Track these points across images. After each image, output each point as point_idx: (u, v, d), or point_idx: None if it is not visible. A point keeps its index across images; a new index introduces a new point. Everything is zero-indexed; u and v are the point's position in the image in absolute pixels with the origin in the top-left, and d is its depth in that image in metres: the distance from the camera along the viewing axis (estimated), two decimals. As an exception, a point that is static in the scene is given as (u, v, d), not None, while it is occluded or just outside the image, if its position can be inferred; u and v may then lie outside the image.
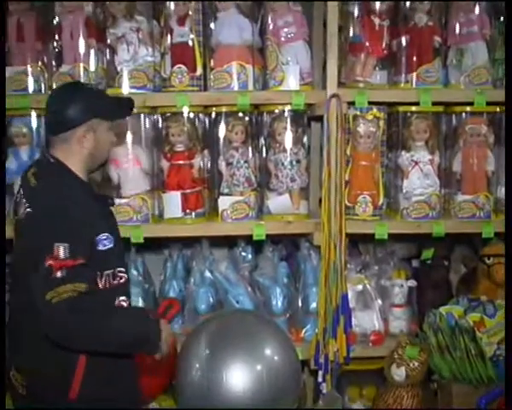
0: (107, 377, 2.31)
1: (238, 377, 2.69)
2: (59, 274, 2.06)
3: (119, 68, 3.14)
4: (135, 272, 3.31)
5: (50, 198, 2.22)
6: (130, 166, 3.16)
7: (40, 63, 3.19)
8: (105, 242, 2.26)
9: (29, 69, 3.16)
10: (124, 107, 2.48)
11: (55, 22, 3.17)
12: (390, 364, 3.05)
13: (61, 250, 2.09)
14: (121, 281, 2.35)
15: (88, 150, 2.32)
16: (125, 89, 3.13)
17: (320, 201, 3.25)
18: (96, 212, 2.27)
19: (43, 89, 3.18)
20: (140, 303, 3.28)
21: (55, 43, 3.19)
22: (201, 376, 2.74)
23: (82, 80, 3.12)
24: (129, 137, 3.16)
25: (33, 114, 3.20)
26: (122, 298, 2.36)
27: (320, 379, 3.14)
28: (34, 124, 3.21)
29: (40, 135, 3.21)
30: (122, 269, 2.36)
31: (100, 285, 2.26)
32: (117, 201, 3.11)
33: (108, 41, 3.16)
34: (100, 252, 2.24)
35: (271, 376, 2.73)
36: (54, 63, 3.20)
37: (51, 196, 2.22)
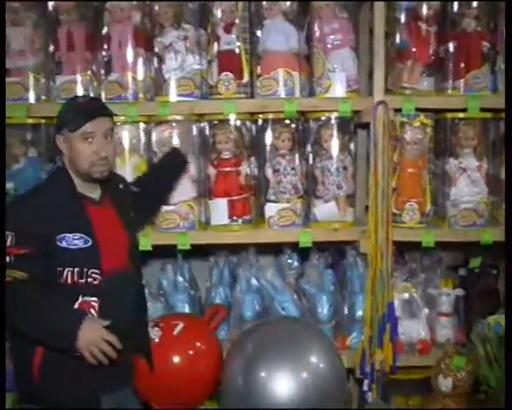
0: (64, 372, 2.42)
1: (283, 385, 2.72)
2: (7, 259, 2.34)
3: (166, 76, 3.19)
4: (181, 279, 3.35)
5: (25, 192, 2.60)
6: (177, 172, 3.19)
7: (89, 72, 3.26)
8: (76, 241, 2.42)
9: (78, 78, 3.23)
10: (79, 116, 2.47)
11: (103, 32, 3.25)
12: (437, 374, 3.03)
13: (9, 238, 2.37)
14: (94, 282, 2.43)
15: (67, 157, 2.51)
16: (173, 96, 3.18)
17: (366, 208, 3.25)
18: (68, 212, 2.45)
19: (92, 97, 3.22)
20: (186, 309, 3.32)
21: (103, 53, 3.26)
22: (246, 383, 2.77)
23: (130, 88, 3.20)
24: (176, 144, 3.19)
25: (83, 121, 3.24)
26: (91, 299, 2.44)
27: (365, 388, 3.14)
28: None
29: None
30: (97, 271, 2.44)
31: (61, 280, 2.40)
32: (164, 207, 3.16)
33: (156, 49, 3.22)
34: (63, 249, 2.40)
35: (317, 383, 2.75)
36: (102, 72, 3.26)
37: (28, 190, 2.57)
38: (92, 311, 2.43)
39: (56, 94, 3.23)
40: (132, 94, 3.19)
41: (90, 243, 2.44)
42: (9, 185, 3.29)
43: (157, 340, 2.89)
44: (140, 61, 3.22)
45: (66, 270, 2.41)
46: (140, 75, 3.22)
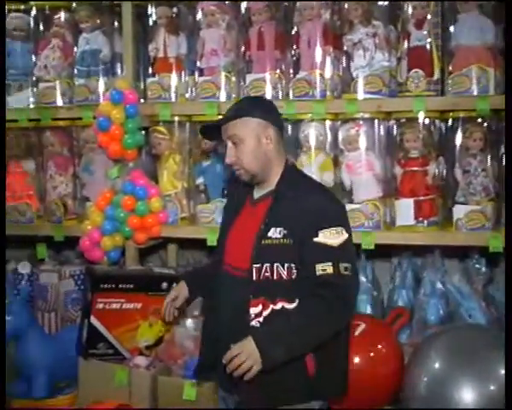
0: None
1: (469, 396, 2.62)
2: None
3: (354, 74, 3.24)
4: (364, 279, 3.37)
5: None
6: (363, 171, 3.23)
7: (278, 70, 3.37)
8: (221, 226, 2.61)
9: (267, 76, 3.34)
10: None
11: (293, 31, 3.34)
12: None
13: None
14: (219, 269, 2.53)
15: None
16: (360, 94, 3.22)
17: None
18: (238, 202, 2.52)
19: (280, 95, 3.34)
20: (368, 311, 3.36)
21: (292, 51, 3.35)
22: (430, 391, 2.71)
23: (318, 87, 3.26)
24: (362, 142, 3.23)
25: (269, 118, 3.32)
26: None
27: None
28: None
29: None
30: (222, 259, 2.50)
31: None
32: (349, 206, 3.17)
33: (345, 47, 3.27)
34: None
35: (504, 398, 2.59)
36: (291, 70, 3.35)
37: None
38: None
39: (246, 92, 3.35)
40: (320, 92, 3.24)
41: (226, 234, 2.50)
42: (200, 181, 3.45)
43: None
44: (328, 58, 3.28)
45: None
46: (328, 73, 3.28)
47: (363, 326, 2.95)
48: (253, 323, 2.30)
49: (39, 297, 3.75)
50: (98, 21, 3.65)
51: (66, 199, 3.73)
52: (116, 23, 3.69)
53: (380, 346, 2.96)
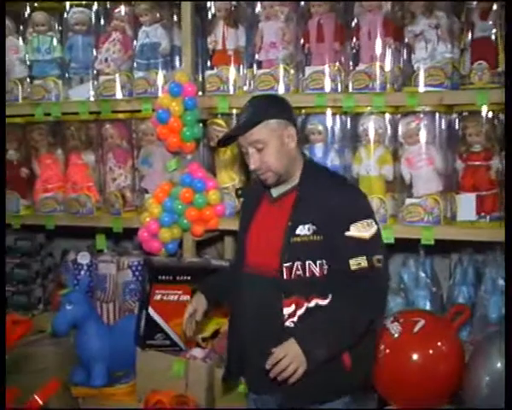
0: None
1: (531, 396, 2.53)
2: None
3: (415, 66, 3.19)
4: (423, 274, 3.34)
5: None
6: (424, 165, 3.18)
7: (337, 63, 3.34)
8: (241, 230, 2.53)
9: (326, 69, 3.31)
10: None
11: (353, 23, 3.31)
12: None
13: None
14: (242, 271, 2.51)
15: None
16: (421, 87, 3.17)
17: None
18: (253, 204, 2.50)
19: (339, 88, 3.29)
20: (427, 307, 3.31)
21: (352, 44, 3.33)
22: (492, 391, 2.66)
23: (378, 79, 3.22)
24: (423, 136, 3.19)
25: (329, 112, 3.34)
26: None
27: None
28: (329, 122, 3.35)
29: (335, 133, 3.36)
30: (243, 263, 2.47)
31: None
32: (408, 200, 3.13)
33: (406, 39, 3.23)
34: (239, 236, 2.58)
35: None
36: (350, 63, 3.33)
37: None
38: None
39: (305, 85, 3.32)
40: (380, 84, 3.21)
41: (244, 236, 2.47)
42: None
43: (396, 336, 2.88)
44: (389, 50, 3.24)
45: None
46: (388, 65, 3.24)
47: (422, 322, 2.91)
48: (287, 323, 2.28)
49: (98, 288, 3.81)
50: (158, 15, 3.68)
51: (124, 191, 3.78)
52: (175, 16, 3.72)
53: (440, 343, 2.90)
